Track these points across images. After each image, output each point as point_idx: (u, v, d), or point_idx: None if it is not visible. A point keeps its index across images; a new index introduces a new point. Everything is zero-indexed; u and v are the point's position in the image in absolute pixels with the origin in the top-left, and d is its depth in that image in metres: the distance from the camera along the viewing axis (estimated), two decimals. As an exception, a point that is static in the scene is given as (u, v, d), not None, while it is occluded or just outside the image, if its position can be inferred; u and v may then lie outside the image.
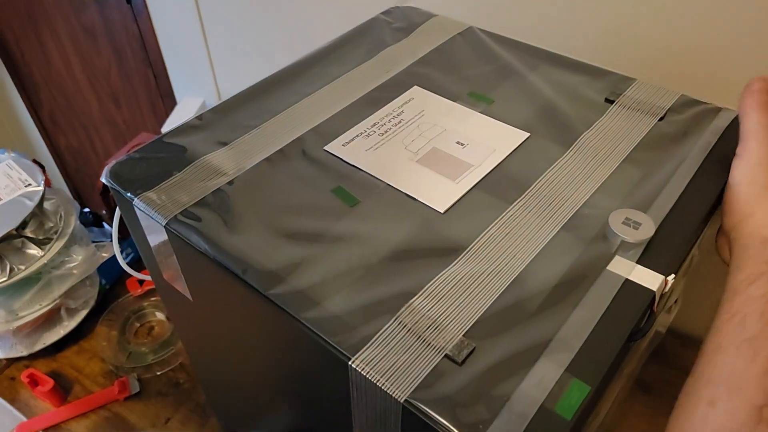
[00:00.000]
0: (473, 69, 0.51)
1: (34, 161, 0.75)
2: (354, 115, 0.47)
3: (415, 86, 0.50)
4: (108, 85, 1.28)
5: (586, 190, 0.40)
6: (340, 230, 0.38)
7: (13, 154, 0.75)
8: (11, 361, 0.72)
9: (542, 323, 0.32)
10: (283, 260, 0.36)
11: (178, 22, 0.86)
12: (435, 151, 0.43)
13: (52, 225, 0.72)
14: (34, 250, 0.69)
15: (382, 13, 0.60)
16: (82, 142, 1.52)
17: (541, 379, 0.30)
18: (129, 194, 0.41)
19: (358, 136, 0.45)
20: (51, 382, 0.67)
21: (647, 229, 0.36)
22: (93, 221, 0.90)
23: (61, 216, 0.74)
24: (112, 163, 0.43)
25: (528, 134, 0.44)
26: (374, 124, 0.46)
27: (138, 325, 0.77)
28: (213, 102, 0.92)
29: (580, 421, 0.29)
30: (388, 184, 0.41)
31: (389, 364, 0.31)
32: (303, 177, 0.42)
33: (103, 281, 0.81)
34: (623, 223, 0.36)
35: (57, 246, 0.71)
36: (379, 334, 0.32)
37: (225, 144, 0.44)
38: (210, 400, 0.65)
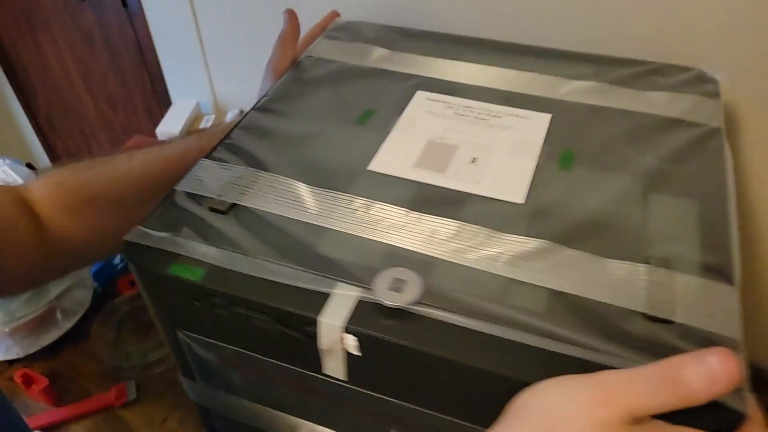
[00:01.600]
0: (631, 152, 0.42)
1: (28, 165, 0.74)
2: (476, 95, 0.48)
3: (550, 115, 0.45)
4: (104, 89, 1.27)
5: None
6: (325, 129, 0.45)
7: (8, 161, 0.75)
8: (9, 363, 0.70)
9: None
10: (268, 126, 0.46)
11: (174, 26, 0.85)
12: (449, 147, 0.43)
13: (46, 227, 0.72)
14: (28, 251, 0.71)
15: (672, 66, 0.51)
16: (79, 146, 1.51)
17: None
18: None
19: (445, 104, 0.47)
20: (45, 381, 0.65)
21: (407, 295, 0.31)
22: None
23: (55, 218, 0.74)
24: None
25: (522, 203, 0.38)
26: (467, 107, 0.47)
27: (134, 324, 0.73)
28: (208, 104, 0.90)
29: None
30: (391, 133, 0.44)
31: (208, 177, 0.40)
32: (372, 90, 0.49)
33: (96, 284, 0.76)
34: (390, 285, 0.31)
35: (50, 247, 0.71)
36: (231, 164, 0.42)
37: (378, 45, 0.54)
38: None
